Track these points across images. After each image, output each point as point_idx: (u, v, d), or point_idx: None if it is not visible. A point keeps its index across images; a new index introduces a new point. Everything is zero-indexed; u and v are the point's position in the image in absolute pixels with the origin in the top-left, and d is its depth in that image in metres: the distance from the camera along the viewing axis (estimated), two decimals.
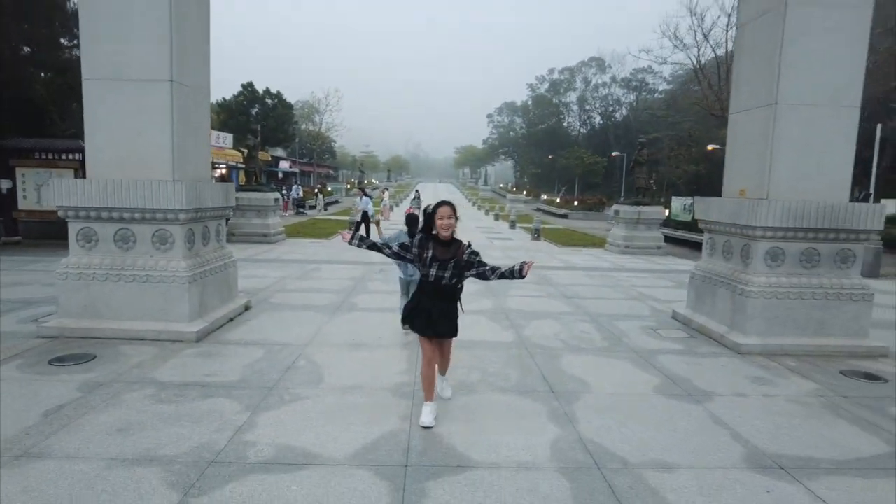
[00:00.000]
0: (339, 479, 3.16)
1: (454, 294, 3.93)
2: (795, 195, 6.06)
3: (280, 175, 50.28)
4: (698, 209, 7.40)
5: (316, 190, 42.84)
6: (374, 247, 3.98)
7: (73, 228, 6.05)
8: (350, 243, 3.97)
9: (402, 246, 3.92)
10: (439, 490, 3.08)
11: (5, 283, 8.51)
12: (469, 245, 3.85)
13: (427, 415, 3.91)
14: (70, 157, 13.98)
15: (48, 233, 14.31)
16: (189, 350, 5.47)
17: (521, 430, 3.88)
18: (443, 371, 4.26)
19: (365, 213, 17.82)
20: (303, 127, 64.89)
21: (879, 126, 15.04)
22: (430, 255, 3.76)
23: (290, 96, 54.54)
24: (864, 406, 4.57)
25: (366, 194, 19.11)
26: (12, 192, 13.78)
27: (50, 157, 13.97)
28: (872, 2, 5.87)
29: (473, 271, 3.82)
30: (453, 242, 3.82)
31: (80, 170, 13.76)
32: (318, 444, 3.58)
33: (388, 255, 4.00)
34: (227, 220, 8.79)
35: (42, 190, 13.79)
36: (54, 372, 4.77)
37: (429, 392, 3.98)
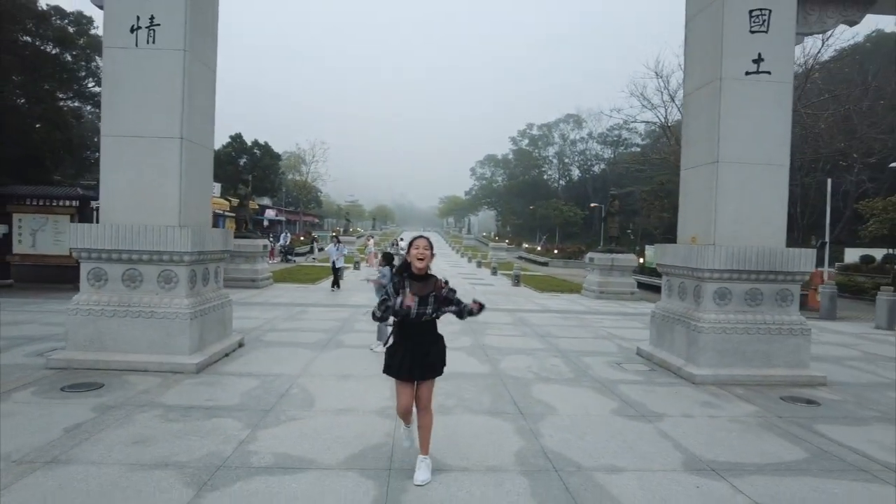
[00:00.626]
0: (333, 479, 3.68)
1: (435, 328, 3.83)
2: (738, 241, 6.83)
3: (266, 223, 50.86)
4: (657, 254, 8.17)
5: (312, 237, 43.52)
6: (385, 318, 3.78)
7: (85, 268, 6.56)
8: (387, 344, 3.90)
9: (382, 302, 3.70)
10: (418, 485, 3.61)
11: (5, 322, 8.89)
12: (446, 282, 3.81)
13: (407, 439, 4.00)
14: (66, 203, 14.51)
15: (40, 276, 14.69)
16: (190, 380, 5.95)
17: (490, 443, 4.42)
18: (424, 446, 3.81)
19: (334, 265, 17.23)
20: (289, 177, 66.09)
21: (829, 181, 16.25)
22: (407, 292, 3.66)
23: (277, 147, 55.92)
24: (795, 424, 5.19)
25: (339, 241, 18.50)
26: (8, 236, 14.19)
27: (47, 203, 14.49)
28: (792, 76, 6.85)
29: (453, 308, 3.76)
30: (429, 277, 3.75)
31: (75, 215, 14.29)
32: (312, 452, 4.09)
33: (393, 313, 3.73)
34: None
35: (38, 235, 14.24)
36: (67, 397, 5.22)
37: (407, 418, 3.92)
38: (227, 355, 7.08)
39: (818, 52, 22.98)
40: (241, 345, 7.67)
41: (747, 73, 6.77)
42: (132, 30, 6.49)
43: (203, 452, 4.03)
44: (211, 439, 4.29)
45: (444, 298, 3.73)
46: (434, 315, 3.74)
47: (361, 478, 3.71)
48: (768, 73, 6.76)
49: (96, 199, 16.65)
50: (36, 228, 14.33)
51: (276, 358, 7.12)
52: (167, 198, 6.55)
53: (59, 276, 14.66)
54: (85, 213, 14.62)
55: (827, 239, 16.16)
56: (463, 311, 3.79)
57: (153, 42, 6.50)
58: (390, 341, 3.86)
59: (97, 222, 6.59)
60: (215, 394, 5.48)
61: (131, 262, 6.49)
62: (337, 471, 3.81)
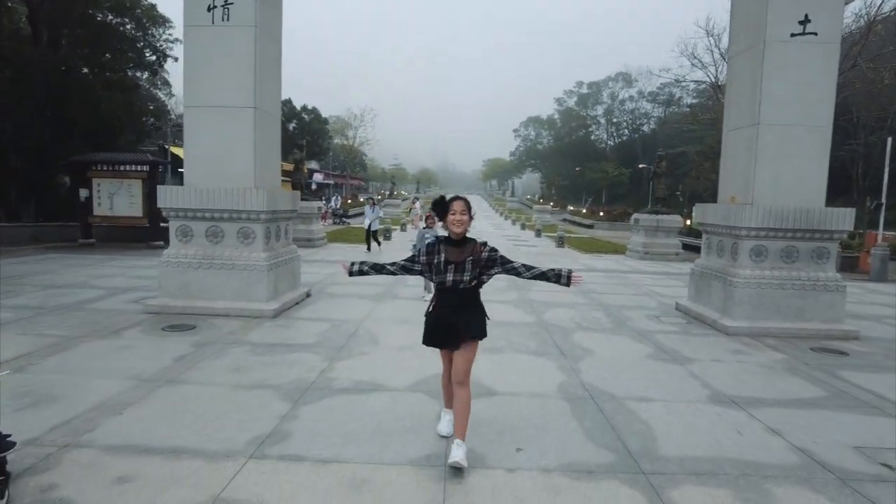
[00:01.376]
0: (402, 397, 4.39)
1: (476, 297, 3.49)
2: (776, 201, 7.08)
3: (314, 186, 52.20)
4: (697, 213, 8.47)
5: (370, 199, 44.51)
6: (376, 267, 3.66)
7: (174, 225, 7.42)
8: (350, 274, 3.73)
9: (409, 259, 3.61)
10: (473, 405, 4.26)
11: (97, 276, 10.02)
12: (486, 243, 3.44)
13: (446, 424, 3.72)
14: (138, 168, 15.63)
15: (115, 236, 16.05)
16: (268, 323, 6.78)
17: (534, 376, 5.04)
18: (459, 429, 3.38)
19: (369, 228, 17.32)
20: (336, 141, 67.20)
21: (890, 140, 15.73)
22: (441, 258, 3.34)
23: (321, 107, 56.89)
24: (820, 370, 5.59)
25: (375, 204, 18.24)
26: (89, 199, 15.49)
27: (120, 168, 15.65)
28: (840, 37, 6.92)
29: (498, 269, 3.42)
30: (467, 242, 3.40)
31: (147, 180, 15.41)
32: (383, 379, 4.81)
33: (394, 272, 3.62)
34: None
35: (114, 198, 15.47)
36: (168, 335, 6.11)
37: (450, 398, 3.73)
38: (297, 304, 7.91)
39: (882, 2, 21.75)
40: (308, 295, 8.49)
41: (793, 35, 6.89)
42: (209, 9, 7.14)
43: (291, 378, 4.80)
44: (296, 368, 5.06)
45: (485, 262, 3.37)
46: (473, 284, 3.39)
47: (427, 398, 4.40)
48: (815, 34, 6.86)
49: (163, 164, 17.79)
50: (113, 192, 15.54)
51: (340, 306, 7.90)
52: (243, 162, 7.28)
53: (131, 235, 15.99)
54: (154, 177, 15.74)
55: (883, 200, 15.77)
56: (518, 270, 3.46)
57: (227, 20, 7.14)
58: (430, 308, 3.60)
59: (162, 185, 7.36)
60: (293, 334, 6.28)
61: (213, 220, 7.30)
62: (405, 392, 4.52)
